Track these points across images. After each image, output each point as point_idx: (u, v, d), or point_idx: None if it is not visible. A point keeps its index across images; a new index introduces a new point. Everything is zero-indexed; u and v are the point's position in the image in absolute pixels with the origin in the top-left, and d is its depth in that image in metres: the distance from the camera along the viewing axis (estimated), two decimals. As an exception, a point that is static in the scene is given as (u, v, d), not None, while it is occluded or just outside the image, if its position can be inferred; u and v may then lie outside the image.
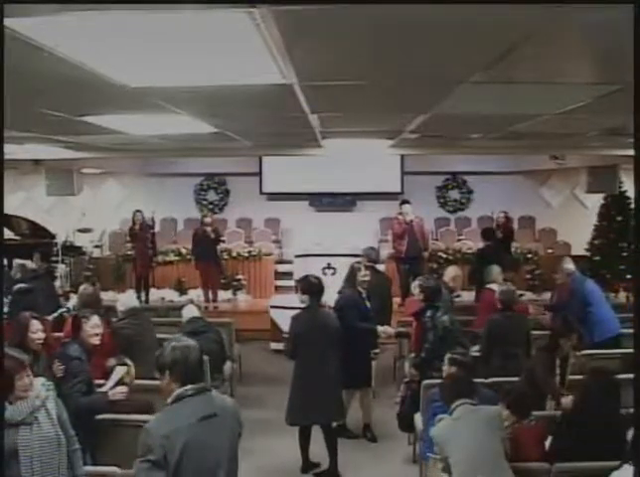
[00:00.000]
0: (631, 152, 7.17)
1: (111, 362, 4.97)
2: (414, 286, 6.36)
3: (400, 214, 10.42)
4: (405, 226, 10.31)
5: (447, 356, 4.82)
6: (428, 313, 5.87)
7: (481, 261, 10.32)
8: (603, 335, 6.53)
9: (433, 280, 6.46)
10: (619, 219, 12.04)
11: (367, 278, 6.49)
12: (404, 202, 10.55)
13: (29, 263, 10.39)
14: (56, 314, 7.01)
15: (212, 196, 14.58)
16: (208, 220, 11.14)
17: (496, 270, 7.28)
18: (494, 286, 6.91)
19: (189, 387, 2.95)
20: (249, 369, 8.58)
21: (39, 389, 3.55)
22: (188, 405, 2.94)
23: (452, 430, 3.90)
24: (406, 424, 5.82)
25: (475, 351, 6.09)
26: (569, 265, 7.36)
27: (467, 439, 3.80)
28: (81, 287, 6.88)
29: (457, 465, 3.76)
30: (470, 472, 3.70)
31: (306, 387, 5.49)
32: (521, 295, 10.06)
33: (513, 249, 11.93)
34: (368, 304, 6.46)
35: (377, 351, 6.67)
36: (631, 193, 11.71)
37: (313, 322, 5.58)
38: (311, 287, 5.66)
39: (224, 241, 11.83)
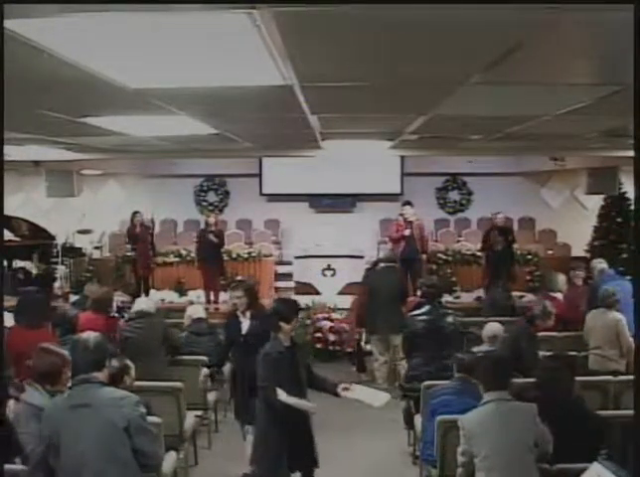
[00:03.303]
0: (631, 153, 7.16)
1: (113, 363, 4.97)
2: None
3: (402, 215, 10.37)
4: (404, 229, 10.24)
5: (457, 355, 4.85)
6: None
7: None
8: None
9: (435, 280, 6.61)
10: (619, 220, 12.04)
11: (235, 300, 5.54)
12: (406, 203, 10.51)
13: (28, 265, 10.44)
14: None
15: (212, 197, 14.59)
16: (211, 220, 11.13)
17: (561, 279, 7.24)
18: (557, 295, 6.94)
19: (75, 378, 3.35)
20: (249, 370, 8.55)
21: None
22: (68, 394, 3.37)
23: (483, 423, 3.78)
24: (408, 419, 5.95)
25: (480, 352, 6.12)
26: (601, 265, 7.46)
27: (498, 435, 3.70)
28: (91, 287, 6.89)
29: (484, 461, 3.69)
30: (497, 470, 3.66)
31: None
32: (521, 297, 10.08)
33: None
34: (242, 327, 5.45)
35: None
36: (631, 194, 11.72)
37: None
38: None
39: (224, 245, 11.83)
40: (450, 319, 6.10)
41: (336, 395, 4.51)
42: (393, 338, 7.59)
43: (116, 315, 6.67)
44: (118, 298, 7.42)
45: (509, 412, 3.78)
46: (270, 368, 4.36)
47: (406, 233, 10.15)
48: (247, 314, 5.45)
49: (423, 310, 6.15)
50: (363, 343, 8.20)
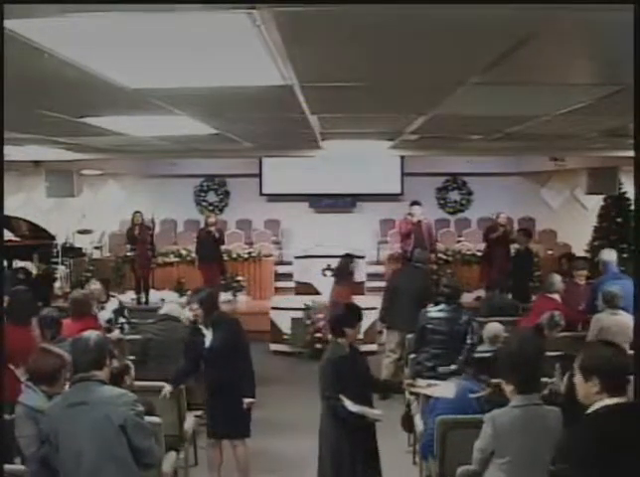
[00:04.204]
0: (631, 153, 7.17)
1: (113, 363, 4.96)
2: None
3: (410, 214, 10.39)
4: (412, 226, 10.28)
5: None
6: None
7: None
8: None
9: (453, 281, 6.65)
10: (619, 220, 12.04)
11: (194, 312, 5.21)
12: (415, 203, 10.50)
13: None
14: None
15: (212, 197, 14.60)
16: (212, 219, 11.13)
17: (557, 279, 7.15)
18: (555, 296, 6.86)
19: (74, 376, 3.36)
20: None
21: None
22: (67, 392, 3.40)
23: (513, 425, 3.65)
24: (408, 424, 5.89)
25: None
26: (608, 256, 7.19)
27: (527, 440, 3.62)
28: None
29: (508, 463, 3.64)
30: (520, 472, 3.61)
31: None
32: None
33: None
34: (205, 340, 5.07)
35: (251, 400, 5.10)
36: (631, 194, 11.73)
37: None
38: None
39: (224, 243, 11.84)
40: (463, 320, 6.02)
41: (400, 392, 4.39)
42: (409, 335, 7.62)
43: (96, 313, 6.52)
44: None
45: (539, 418, 3.69)
46: (333, 374, 4.22)
47: (415, 220, 10.23)
48: (209, 326, 5.04)
49: (437, 308, 6.18)
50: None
